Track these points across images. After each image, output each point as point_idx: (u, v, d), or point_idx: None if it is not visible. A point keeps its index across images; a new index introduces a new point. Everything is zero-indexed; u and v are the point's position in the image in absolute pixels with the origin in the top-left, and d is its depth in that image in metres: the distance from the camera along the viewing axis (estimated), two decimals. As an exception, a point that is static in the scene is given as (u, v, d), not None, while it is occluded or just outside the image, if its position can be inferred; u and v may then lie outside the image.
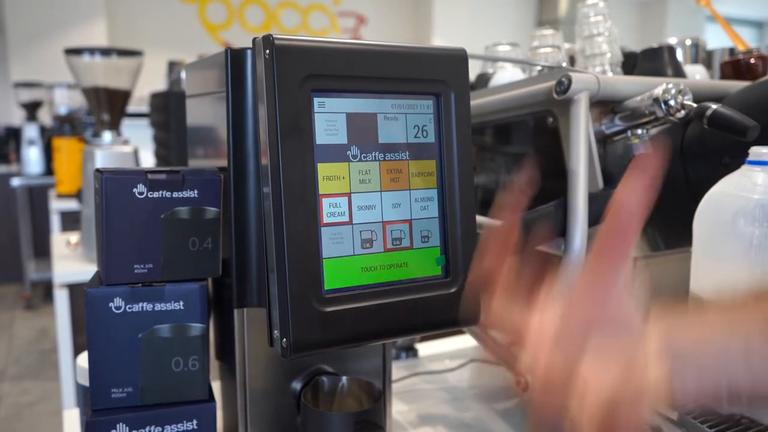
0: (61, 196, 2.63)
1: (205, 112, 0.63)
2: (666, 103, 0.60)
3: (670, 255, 0.72)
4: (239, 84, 0.53)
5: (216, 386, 0.70)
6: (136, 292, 0.55)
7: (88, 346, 0.56)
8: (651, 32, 6.95)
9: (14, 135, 4.17)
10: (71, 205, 2.51)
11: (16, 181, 3.54)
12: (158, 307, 0.56)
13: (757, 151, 0.56)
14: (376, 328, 0.48)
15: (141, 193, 0.54)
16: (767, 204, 0.53)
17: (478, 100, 0.77)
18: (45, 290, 3.96)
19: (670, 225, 0.73)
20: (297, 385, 0.62)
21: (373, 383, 0.58)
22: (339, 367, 0.63)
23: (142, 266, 0.55)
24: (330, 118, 0.47)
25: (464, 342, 1.07)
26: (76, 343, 1.57)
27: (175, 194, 0.55)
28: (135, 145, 1.68)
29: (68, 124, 2.81)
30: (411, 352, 1.00)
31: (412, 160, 0.50)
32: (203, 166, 0.63)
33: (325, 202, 0.47)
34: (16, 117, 4.14)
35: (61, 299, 1.54)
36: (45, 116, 3.71)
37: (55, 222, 2.63)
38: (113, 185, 0.53)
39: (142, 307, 0.56)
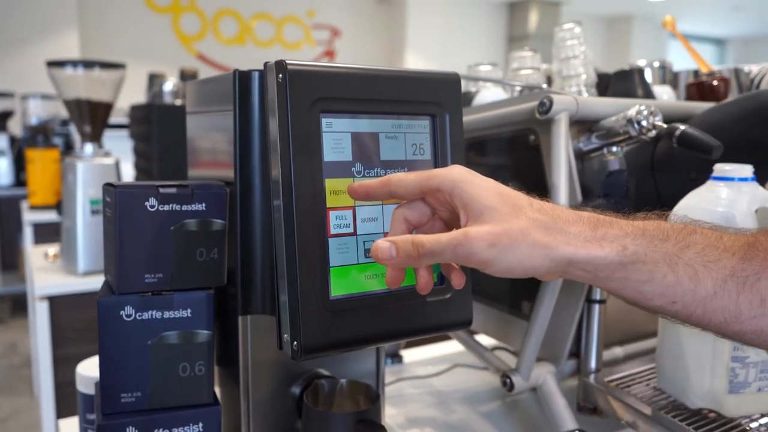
0: (34, 207, 2.61)
1: (208, 128, 0.66)
2: (639, 123, 0.66)
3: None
4: (245, 103, 0.57)
5: (217, 392, 0.72)
6: (146, 300, 0.58)
7: (99, 353, 0.58)
8: (617, 49, 7.16)
9: (-18, 145, 4.09)
10: (46, 216, 2.49)
11: (-16, 193, 3.48)
12: (167, 314, 0.59)
13: (721, 168, 0.61)
14: (378, 332, 0.52)
15: (152, 206, 0.57)
16: (731, 216, 0.58)
17: (465, 118, 0.82)
18: (13, 304, 3.89)
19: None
20: (296, 390, 0.65)
21: (370, 385, 0.62)
22: (336, 371, 0.67)
23: (152, 276, 0.58)
24: (337, 137, 0.51)
25: (448, 348, 1.11)
26: (56, 356, 1.57)
27: (185, 207, 0.58)
28: (117, 157, 1.69)
29: (41, 135, 2.79)
30: (396, 358, 1.04)
31: (411, 176, 0.54)
32: (204, 179, 0.66)
33: (332, 215, 0.50)
34: (-16, 127, 4.07)
35: (41, 312, 1.53)
36: (15, 126, 3.66)
37: (28, 234, 2.60)
38: (127, 199, 0.56)
39: (152, 315, 0.58)
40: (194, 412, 0.61)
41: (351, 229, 0.52)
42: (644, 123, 0.65)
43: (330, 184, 0.51)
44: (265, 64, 0.51)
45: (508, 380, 0.71)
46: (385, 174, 0.53)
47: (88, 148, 1.64)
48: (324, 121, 0.50)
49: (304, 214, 0.49)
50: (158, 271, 0.58)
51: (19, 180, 3.43)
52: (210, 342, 0.61)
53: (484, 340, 0.94)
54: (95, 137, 1.66)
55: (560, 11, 6.45)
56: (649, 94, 0.88)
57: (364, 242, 0.52)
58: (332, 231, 0.51)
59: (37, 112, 3.05)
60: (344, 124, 0.51)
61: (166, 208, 0.58)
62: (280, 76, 0.49)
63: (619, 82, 0.89)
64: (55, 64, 1.59)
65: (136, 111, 1.88)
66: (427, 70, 0.56)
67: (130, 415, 0.59)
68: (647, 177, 0.75)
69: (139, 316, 0.58)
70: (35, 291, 1.55)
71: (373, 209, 0.53)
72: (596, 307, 0.72)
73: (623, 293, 0.43)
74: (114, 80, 1.65)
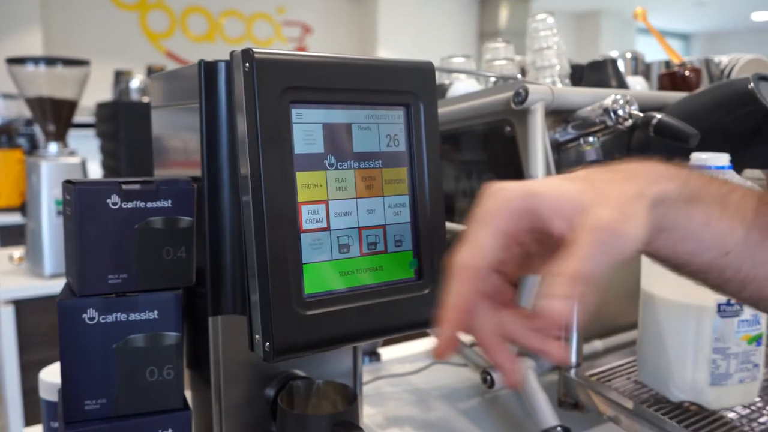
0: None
1: (173, 123, 0.64)
2: (615, 112, 0.65)
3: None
4: (212, 96, 0.55)
5: (187, 396, 0.70)
6: (109, 302, 0.55)
7: (60, 358, 0.55)
8: (586, 45, 7.23)
9: (-58, 147, 3.97)
10: (10, 218, 2.42)
11: (-54, 195, 3.37)
12: (132, 317, 0.56)
13: (697, 157, 0.60)
14: (355, 330, 0.50)
15: (115, 204, 0.55)
16: (709, 205, 0.57)
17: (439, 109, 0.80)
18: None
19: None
20: (270, 391, 0.63)
21: (348, 385, 0.60)
22: (311, 371, 0.65)
23: (116, 276, 0.55)
24: (307, 128, 0.49)
25: (426, 345, 1.10)
26: (22, 361, 1.52)
27: (149, 204, 0.56)
28: (83, 156, 1.64)
29: (5, 135, 2.71)
30: (374, 356, 1.02)
31: (385, 168, 0.53)
32: (171, 176, 0.63)
33: (304, 209, 0.48)
34: (-56, 128, 3.94)
35: (7, 316, 1.48)
36: (-23, 127, 3.55)
37: (-11, 236, 2.52)
38: (87, 196, 0.54)
39: (116, 318, 0.56)
40: (163, 417, 0.58)
41: (324, 224, 0.50)
42: (620, 112, 0.65)
43: (301, 177, 0.48)
44: (231, 53, 0.49)
45: (488, 377, 0.69)
46: (359, 167, 0.51)
47: (53, 147, 1.59)
48: (294, 111, 0.48)
49: (275, 210, 0.47)
50: (122, 272, 0.56)
51: (-18, 182, 3.33)
52: (179, 344, 0.58)
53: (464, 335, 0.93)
54: (60, 136, 1.61)
55: (530, 7, 6.48)
56: (622, 85, 0.88)
57: (338, 237, 0.50)
58: (305, 226, 0.49)
59: (0, 111, 2.96)
60: (315, 115, 0.49)
61: (130, 205, 0.55)
62: (247, 65, 0.46)
63: (592, 73, 0.88)
64: (15, 61, 1.54)
65: (102, 109, 1.83)
66: (400, 59, 0.54)
67: (94, 423, 0.56)
68: (624, 167, 0.74)
69: (103, 318, 0.55)
70: (0, 295, 1.50)
71: (347, 203, 0.51)
72: (575, 300, 0.71)
73: (678, 246, 0.39)
74: (78, 77, 1.60)
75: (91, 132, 2.09)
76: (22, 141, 3.13)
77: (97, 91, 2.89)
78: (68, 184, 0.56)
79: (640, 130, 0.71)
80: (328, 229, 0.50)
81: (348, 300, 0.50)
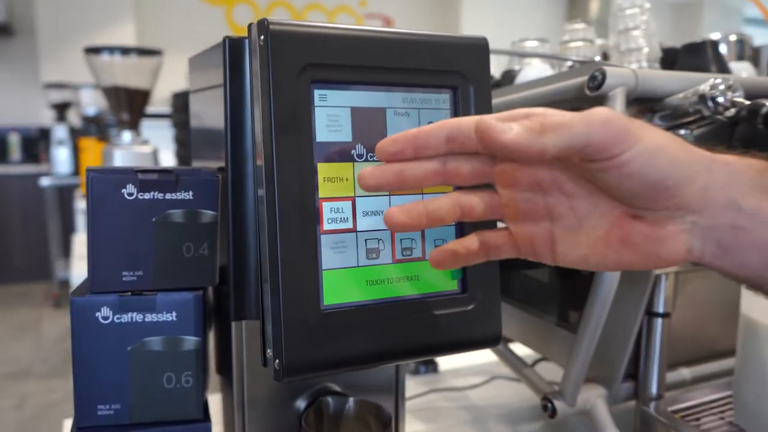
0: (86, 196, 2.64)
1: (207, 109, 0.58)
2: (713, 99, 0.54)
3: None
4: (238, 76, 0.49)
5: (218, 399, 0.65)
6: (125, 301, 0.51)
7: (73, 358, 0.51)
8: (685, 36, 6.78)
9: (45, 135, 4.22)
10: (95, 205, 2.51)
11: (45, 181, 3.58)
12: (149, 318, 0.51)
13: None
14: (382, 350, 0.43)
15: (131, 194, 0.50)
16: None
17: (502, 98, 0.72)
18: (72, 289, 3.99)
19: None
20: (301, 404, 0.57)
21: (382, 407, 0.53)
22: (347, 383, 0.58)
23: (131, 273, 0.51)
24: (332, 112, 0.42)
25: (490, 356, 1.01)
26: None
27: (168, 196, 0.51)
28: (155, 145, 1.65)
29: (95, 125, 2.82)
30: (431, 365, 0.95)
31: (426, 161, 0.45)
32: (205, 167, 0.59)
33: (326, 207, 0.42)
34: (46, 117, 4.19)
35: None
36: (74, 117, 3.74)
37: (80, 221, 2.64)
38: (100, 185, 0.49)
39: (132, 318, 0.51)
40: (180, 428, 0.53)
41: (350, 225, 0.43)
42: (720, 100, 0.54)
43: (323, 169, 0.42)
44: (249, 25, 0.42)
45: (549, 404, 0.60)
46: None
47: (126, 135, 1.61)
48: (317, 93, 0.41)
49: (289, 206, 0.40)
50: (138, 269, 0.51)
51: (78, 169, 3.51)
52: (199, 350, 0.53)
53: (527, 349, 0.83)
54: (133, 125, 1.63)
55: (625, -4, 6.13)
56: (724, 70, 0.75)
57: (366, 240, 0.43)
58: (326, 226, 0.42)
59: (91, 102, 3.09)
60: (342, 97, 0.42)
61: (147, 196, 0.50)
62: (262, 38, 0.40)
63: (688, 57, 0.76)
64: (92, 50, 1.57)
65: (177, 99, 1.85)
66: (448, 33, 0.46)
67: (107, 429, 0.52)
68: (723, 166, 0.62)
69: (117, 318, 0.51)
70: (72, 279, 1.53)
71: (378, 200, 0.43)
72: (658, 322, 0.61)
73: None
74: (151, 67, 1.61)
75: (169, 122, 2.13)
76: (113, 131, 3.27)
77: (182, 83, 2.96)
78: (87, 172, 0.51)
79: (746, 122, 0.59)
80: (354, 230, 0.43)
81: (375, 314, 0.43)
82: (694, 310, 0.67)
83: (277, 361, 0.41)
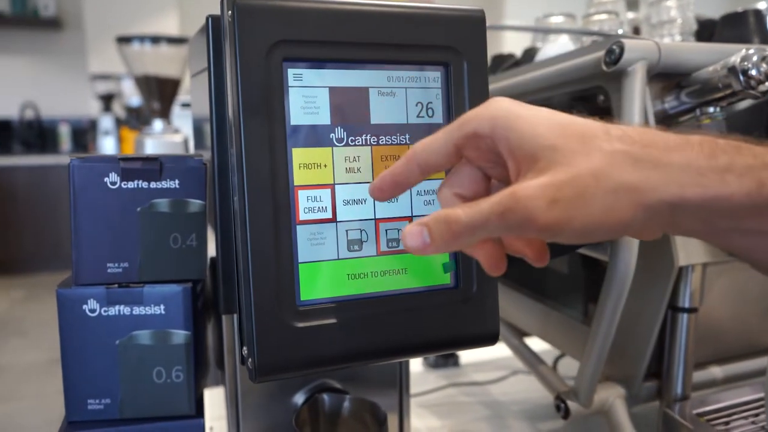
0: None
1: (199, 93, 0.56)
2: (745, 73, 0.48)
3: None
4: (222, 57, 0.46)
5: (220, 392, 0.64)
6: (112, 293, 0.49)
7: (61, 352, 0.50)
8: (741, 3, 6.44)
9: (93, 126, 4.33)
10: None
11: (92, 171, 3.67)
12: (137, 311, 0.50)
13: None
14: (364, 349, 0.40)
15: (114, 183, 0.48)
16: None
17: (520, 77, 0.67)
18: (120, 276, 4.10)
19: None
20: (299, 399, 0.55)
21: (378, 405, 0.50)
22: (348, 377, 0.56)
23: (116, 265, 0.49)
24: (309, 93, 0.39)
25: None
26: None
27: (153, 184, 0.49)
28: (186, 134, 1.66)
29: (136, 115, 2.87)
30: (451, 359, 0.91)
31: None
32: (200, 154, 0.57)
33: (302, 195, 0.39)
34: (94, 109, 4.29)
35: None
36: (119, 108, 3.83)
37: (123, 210, 2.69)
38: (81, 173, 0.48)
39: (119, 311, 0.50)
40: (172, 424, 0.51)
41: (329, 214, 0.40)
42: (753, 72, 0.48)
43: (299, 154, 0.39)
44: (221, 1, 0.40)
45: (562, 405, 0.56)
46: (377, 143, 0.41)
47: (158, 124, 1.62)
48: (290, 72, 0.38)
49: (259, 195, 0.37)
50: (123, 260, 0.49)
51: (122, 159, 3.59)
52: (189, 344, 0.51)
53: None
54: (164, 113, 1.63)
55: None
56: (768, 42, 0.68)
57: (347, 231, 0.40)
58: (302, 216, 0.39)
59: (134, 92, 3.15)
60: (319, 77, 0.39)
61: (130, 185, 0.48)
62: (229, 13, 0.37)
63: (727, 29, 0.70)
64: (123, 40, 1.58)
65: (209, 87, 1.84)
66: (439, 5, 0.42)
67: (99, 424, 0.51)
68: (759, 147, 0.57)
69: (105, 311, 0.50)
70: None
71: (360, 188, 0.40)
72: (684, 317, 0.56)
73: (755, 253, 0.30)
74: (182, 56, 1.61)
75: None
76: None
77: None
78: (70, 159, 0.50)
79: (785, 98, 0.54)
80: (333, 220, 0.40)
81: (357, 310, 0.40)
82: (730, 304, 0.62)
83: (250, 359, 0.38)
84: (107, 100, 3.67)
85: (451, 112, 0.42)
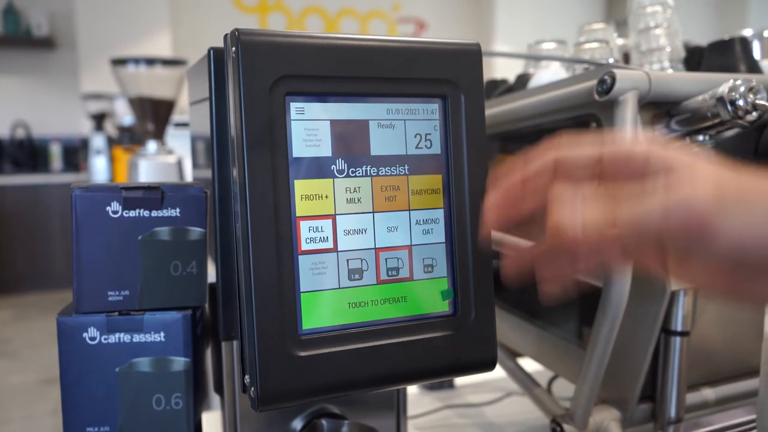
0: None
1: (199, 121, 0.57)
2: (733, 103, 0.50)
3: (742, 283, 0.60)
4: (223, 88, 0.47)
5: (215, 417, 0.64)
6: (112, 321, 0.50)
7: (61, 380, 0.50)
8: (730, 27, 6.56)
9: (85, 145, 4.33)
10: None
11: (83, 190, 3.66)
12: (137, 338, 0.50)
13: None
14: (366, 376, 0.41)
15: (115, 212, 0.49)
16: None
17: (513, 104, 0.68)
18: (110, 295, 4.07)
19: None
20: (297, 425, 0.55)
21: (376, 430, 0.50)
22: (346, 401, 0.56)
23: (117, 293, 0.50)
24: (310, 126, 0.40)
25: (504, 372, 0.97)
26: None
27: (154, 213, 0.49)
28: (180, 155, 1.67)
29: (128, 135, 2.88)
30: (446, 382, 0.91)
31: (413, 175, 0.42)
32: (203, 180, 0.57)
33: (304, 226, 0.39)
34: (86, 128, 4.29)
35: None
36: (112, 127, 3.83)
37: (115, 230, 2.69)
38: (84, 203, 0.48)
39: (119, 339, 0.50)
40: (171, 452, 0.52)
41: (330, 244, 0.40)
42: (741, 103, 0.50)
43: (301, 186, 0.40)
44: (225, 36, 0.41)
45: (558, 428, 0.57)
46: (377, 174, 0.42)
47: (152, 145, 1.63)
48: (293, 105, 0.39)
49: (263, 226, 0.38)
50: (124, 288, 0.50)
51: (113, 178, 3.58)
52: (188, 371, 0.51)
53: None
54: (158, 135, 1.64)
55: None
56: (754, 70, 0.70)
57: (347, 260, 0.41)
58: (303, 246, 0.40)
59: (127, 112, 3.15)
60: (321, 110, 0.40)
61: (132, 214, 0.49)
62: (233, 49, 0.38)
63: (714, 56, 0.72)
64: (118, 62, 1.59)
65: (202, 108, 1.85)
66: (437, 39, 0.44)
67: (97, 452, 0.51)
68: (748, 174, 0.58)
69: (105, 339, 0.50)
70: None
71: (361, 218, 0.41)
72: (676, 340, 0.57)
73: None
74: (176, 77, 1.62)
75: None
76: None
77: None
78: (72, 189, 0.51)
79: (771, 126, 0.55)
80: (334, 249, 0.40)
81: (358, 339, 0.40)
82: (721, 327, 0.63)
83: (252, 388, 0.39)
84: (99, 119, 3.67)
85: (449, 143, 0.43)
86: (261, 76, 0.38)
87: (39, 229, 4.20)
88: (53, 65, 4.62)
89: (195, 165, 0.64)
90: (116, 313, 0.50)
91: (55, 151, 4.47)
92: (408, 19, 5.52)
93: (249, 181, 0.38)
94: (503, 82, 0.84)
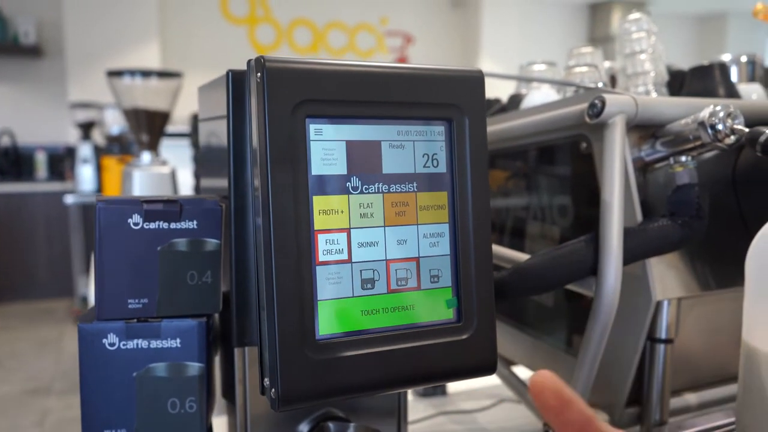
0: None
1: (213, 137, 0.60)
2: (713, 127, 0.54)
3: (722, 295, 0.64)
4: (240, 108, 0.50)
5: (223, 422, 0.66)
6: (130, 328, 0.52)
7: (81, 384, 0.53)
8: (710, 50, 6.71)
9: (70, 154, 4.32)
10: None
11: (69, 199, 3.66)
12: (154, 344, 0.53)
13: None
14: (377, 379, 0.44)
15: (136, 224, 0.51)
16: (832, 245, 0.46)
17: (508, 123, 0.72)
18: (95, 305, 4.05)
19: (721, 261, 0.66)
20: (304, 429, 0.57)
21: (381, 432, 0.53)
22: (350, 407, 0.59)
23: (136, 301, 0.52)
24: (328, 146, 0.43)
25: (497, 379, 1.00)
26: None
27: (173, 225, 0.52)
28: (173, 165, 1.69)
29: (117, 144, 2.88)
30: (439, 389, 0.95)
31: (421, 192, 0.46)
32: (213, 192, 0.60)
33: (321, 239, 0.43)
34: (72, 136, 4.28)
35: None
36: (99, 136, 3.82)
37: (102, 239, 2.69)
38: (107, 215, 0.51)
39: (137, 344, 0.53)
40: (185, 453, 0.54)
41: (345, 256, 0.43)
42: (720, 127, 0.54)
43: (319, 202, 0.43)
44: (248, 62, 0.44)
45: (550, 431, 0.60)
46: (388, 191, 0.45)
47: (146, 156, 1.64)
48: (312, 127, 0.42)
49: (284, 238, 0.41)
50: (143, 296, 0.52)
51: (101, 187, 3.58)
52: (202, 376, 0.54)
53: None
54: (152, 146, 1.66)
55: (645, 11, 6.12)
56: (732, 93, 0.75)
57: (361, 271, 0.44)
58: (321, 258, 0.43)
59: (115, 121, 3.16)
60: (337, 131, 0.43)
61: (152, 226, 0.52)
62: (259, 75, 0.41)
63: (695, 80, 0.76)
64: (114, 73, 1.61)
65: (196, 119, 1.88)
66: (443, 66, 0.47)
67: (114, 454, 0.53)
68: (727, 193, 0.62)
69: (123, 345, 0.52)
70: (90, 297, 1.56)
71: (373, 232, 0.44)
72: (661, 348, 0.60)
73: None
74: (171, 89, 1.65)
75: (188, 141, 2.16)
76: (135, 150, 3.34)
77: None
78: (95, 202, 0.53)
79: (749, 149, 0.59)
80: (349, 261, 0.43)
81: (370, 344, 0.44)
82: (703, 335, 0.67)
83: (273, 390, 0.41)
84: (87, 128, 3.67)
85: (454, 162, 0.47)
86: (284, 99, 0.41)
87: (23, 238, 4.17)
88: (40, 73, 4.61)
89: (204, 177, 0.67)
90: (134, 320, 0.52)
91: (41, 159, 4.45)
92: (395, 32, 5.59)
93: (273, 197, 0.41)
94: (496, 101, 0.88)
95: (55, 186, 4.25)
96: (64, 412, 2.68)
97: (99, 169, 3.49)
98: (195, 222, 0.53)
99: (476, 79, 0.47)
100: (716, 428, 0.61)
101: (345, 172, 0.43)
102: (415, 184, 0.46)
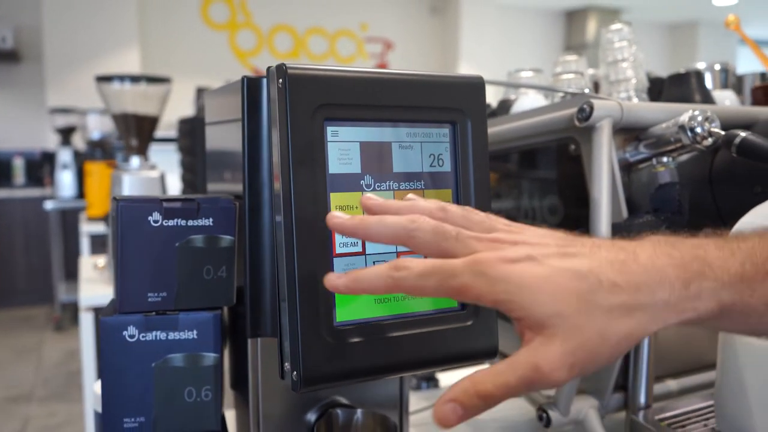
0: (91, 219, 2.69)
1: (223, 140, 0.63)
2: (692, 130, 0.59)
3: (700, 286, 0.69)
4: (255, 112, 0.53)
5: (231, 415, 0.69)
6: (149, 320, 0.55)
7: (101, 375, 0.55)
8: (682, 56, 6.89)
9: (49, 159, 4.28)
10: (100, 228, 2.56)
11: (49, 204, 3.63)
12: (171, 336, 0.55)
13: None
14: (389, 362, 0.47)
15: (156, 221, 0.54)
16: (800, 236, 0.50)
17: (499, 127, 0.76)
18: (74, 312, 4.01)
19: (699, 255, 0.71)
20: (312, 417, 0.61)
21: (388, 418, 0.57)
22: (354, 397, 0.62)
23: (155, 295, 0.55)
24: (343, 146, 0.46)
25: (487, 372, 1.04)
26: (99, 367, 1.58)
27: (190, 222, 0.55)
28: (162, 169, 1.70)
29: (100, 149, 2.88)
30: (432, 381, 0.98)
31: (428, 189, 0.49)
32: (221, 192, 0.63)
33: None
34: (51, 141, 4.25)
35: (86, 322, 1.55)
36: (79, 141, 3.80)
37: (85, 245, 2.68)
38: (129, 213, 0.54)
39: (156, 336, 0.55)
40: (200, 440, 0.57)
41: (359, 248, 0.47)
42: (698, 130, 0.58)
43: (336, 198, 0.46)
44: (268, 68, 0.47)
45: (544, 414, 0.64)
46: (399, 188, 0.48)
47: (135, 161, 1.66)
48: (329, 129, 0.46)
49: (306, 231, 0.44)
50: (162, 290, 0.55)
51: (81, 192, 3.55)
52: (217, 366, 0.57)
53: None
54: (141, 150, 1.68)
55: (620, 19, 6.25)
56: (707, 99, 0.80)
57: (374, 262, 0.47)
58: (338, 250, 0.46)
59: (97, 127, 3.15)
60: (352, 133, 0.47)
61: (171, 223, 0.55)
62: (281, 81, 0.45)
63: (673, 87, 0.81)
64: (103, 79, 1.62)
65: (183, 124, 1.89)
66: (447, 73, 0.51)
67: (133, 441, 0.56)
68: (704, 191, 0.67)
69: (143, 336, 0.55)
70: (81, 301, 1.57)
71: (385, 226, 0.48)
72: (645, 338, 0.65)
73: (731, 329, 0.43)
74: (160, 94, 1.67)
75: (174, 146, 2.17)
76: (118, 155, 3.33)
77: (186, 108, 3.02)
78: (113, 201, 0.56)
79: (724, 151, 0.64)
80: (363, 253, 0.47)
81: (382, 330, 0.47)
82: (682, 327, 0.71)
83: (294, 373, 0.45)
84: (66, 133, 3.64)
85: (458, 162, 0.50)
86: (304, 103, 0.45)
87: (1, 245, 4.12)
88: (18, 78, 4.56)
89: (211, 178, 0.70)
90: (153, 313, 0.55)
91: (18, 165, 4.41)
92: (375, 38, 5.64)
93: (295, 194, 0.44)
94: (487, 106, 0.92)
95: (33, 192, 4.21)
96: (46, 419, 2.66)
97: (80, 175, 3.47)
98: (211, 219, 0.56)
99: (478, 85, 0.51)
100: (697, 410, 0.65)
101: (359, 171, 0.47)
102: (422, 182, 0.49)
